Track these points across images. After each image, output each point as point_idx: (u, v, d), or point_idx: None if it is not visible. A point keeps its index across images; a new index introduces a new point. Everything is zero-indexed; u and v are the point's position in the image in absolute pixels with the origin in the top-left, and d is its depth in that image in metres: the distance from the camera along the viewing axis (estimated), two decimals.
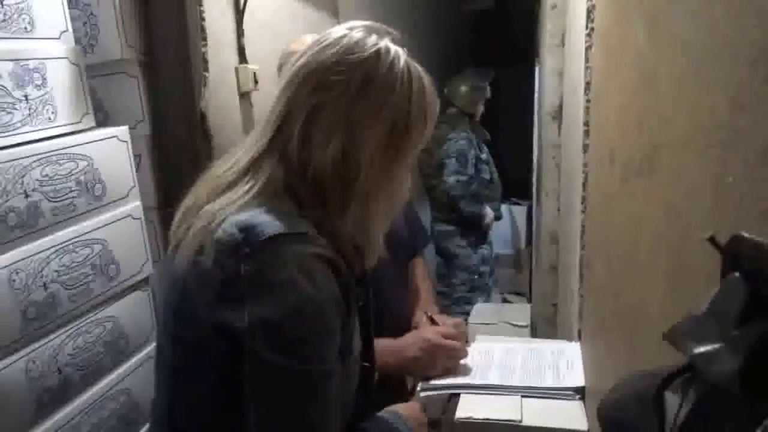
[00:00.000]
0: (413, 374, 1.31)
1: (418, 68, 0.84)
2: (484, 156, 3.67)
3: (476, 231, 3.65)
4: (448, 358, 1.26)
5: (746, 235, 0.30)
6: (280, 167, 0.80)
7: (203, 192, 0.84)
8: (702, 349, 0.30)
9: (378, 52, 0.80)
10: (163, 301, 0.86)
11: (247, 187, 0.80)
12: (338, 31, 0.83)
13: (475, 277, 3.67)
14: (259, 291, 0.73)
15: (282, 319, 0.73)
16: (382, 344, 1.18)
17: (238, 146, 0.87)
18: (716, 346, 0.30)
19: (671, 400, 0.38)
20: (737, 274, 0.30)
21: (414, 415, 1.02)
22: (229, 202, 0.79)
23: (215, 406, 0.80)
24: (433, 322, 1.37)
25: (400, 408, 1.02)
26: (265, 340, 0.73)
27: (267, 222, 0.75)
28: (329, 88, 0.78)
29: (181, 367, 0.83)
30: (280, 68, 1.50)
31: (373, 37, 0.82)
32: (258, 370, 0.74)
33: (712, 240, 0.32)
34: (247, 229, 0.74)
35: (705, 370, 0.30)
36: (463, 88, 3.66)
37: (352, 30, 0.83)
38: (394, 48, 0.82)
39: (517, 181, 4.38)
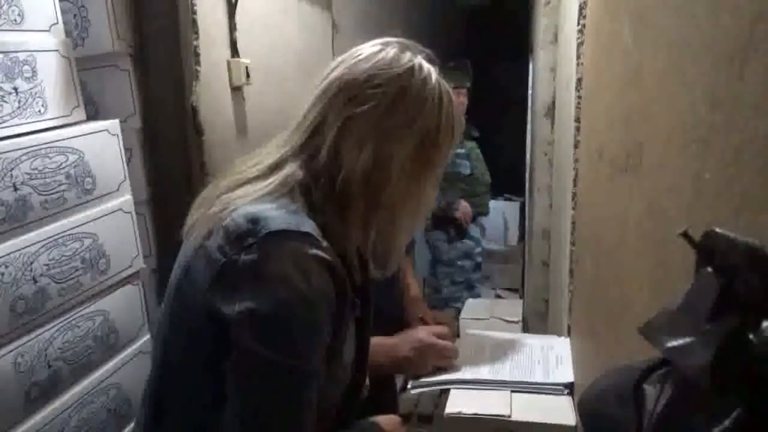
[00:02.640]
0: (404, 373, 1.31)
1: (447, 85, 0.87)
2: (462, 150, 3.60)
3: (452, 224, 3.63)
4: (439, 358, 1.27)
5: (719, 230, 0.30)
6: (301, 171, 0.83)
7: (223, 184, 0.87)
8: (675, 343, 0.31)
9: (412, 68, 0.83)
10: (171, 280, 0.88)
11: (265, 183, 0.82)
12: (373, 46, 0.86)
13: (453, 271, 3.65)
14: (252, 282, 0.74)
15: (270, 312, 0.73)
16: (374, 342, 1.20)
17: (263, 147, 0.90)
18: (688, 340, 0.30)
19: (650, 393, 0.39)
20: (710, 269, 0.31)
21: (393, 428, 1.02)
22: (245, 194, 0.81)
23: (199, 390, 0.81)
24: (423, 321, 1.38)
25: (380, 420, 1.02)
26: (252, 331, 0.74)
27: (275, 217, 0.77)
28: (363, 101, 0.81)
29: (172, 344, 0.85)
30: None
31: (408, 54, 0.85)
32: (242, 360, 0.75)
33: (685, 235, 0.33)
34: (254, 221, 0.76)
35: (678, 364, 0.30)
36: None
37: (387, 46, 0.86)
38: (426, 65, 0.85)
39: (511, 176, 4.39)
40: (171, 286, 0.86)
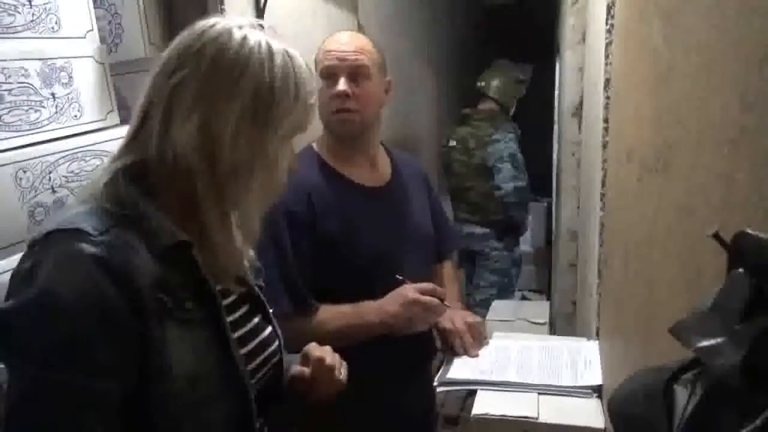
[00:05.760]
0: (395, 331, 1.30)
1: (283, 45, 0.83)
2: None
3: (513, 233, 3.59)
4: (426, 313, 1.30)
5: (750, 231, 0.31)
6: (130, 158, 0.81)
7: None
8: (706, 342, 0.31)
9: (229, 30, 0.81)
10: None
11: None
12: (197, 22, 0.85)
13: (505, 279, 3.56)
14: (12, 286, 0.71)
15: (11, 310, 0.68)
16: (362, 304, 1.29)
17: None
18: (719, 340, 0.30)
19: (681, 394, 0.39)
20: (741, 270, 0.31)
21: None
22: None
23: None
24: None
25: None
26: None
27: (61, 219, 0.74)
28: (182, 67, 0.79)
29: None
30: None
31: (223, 21, 0.83)
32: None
33: (716, 236, 0.33)
34: (43, 230, 0.74)
35: (709, 363, 0.31)
36: (495, 82, 3.49)
37: (209, 20, 0.84)
38: (248, 28, 0.82)
39: (537, 177, 4.35)
40: None
